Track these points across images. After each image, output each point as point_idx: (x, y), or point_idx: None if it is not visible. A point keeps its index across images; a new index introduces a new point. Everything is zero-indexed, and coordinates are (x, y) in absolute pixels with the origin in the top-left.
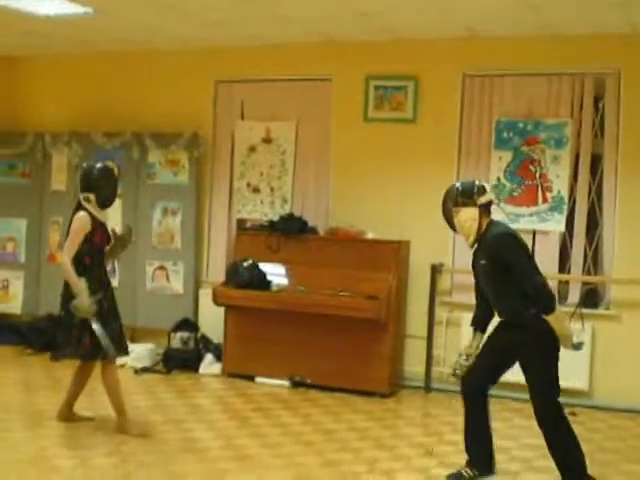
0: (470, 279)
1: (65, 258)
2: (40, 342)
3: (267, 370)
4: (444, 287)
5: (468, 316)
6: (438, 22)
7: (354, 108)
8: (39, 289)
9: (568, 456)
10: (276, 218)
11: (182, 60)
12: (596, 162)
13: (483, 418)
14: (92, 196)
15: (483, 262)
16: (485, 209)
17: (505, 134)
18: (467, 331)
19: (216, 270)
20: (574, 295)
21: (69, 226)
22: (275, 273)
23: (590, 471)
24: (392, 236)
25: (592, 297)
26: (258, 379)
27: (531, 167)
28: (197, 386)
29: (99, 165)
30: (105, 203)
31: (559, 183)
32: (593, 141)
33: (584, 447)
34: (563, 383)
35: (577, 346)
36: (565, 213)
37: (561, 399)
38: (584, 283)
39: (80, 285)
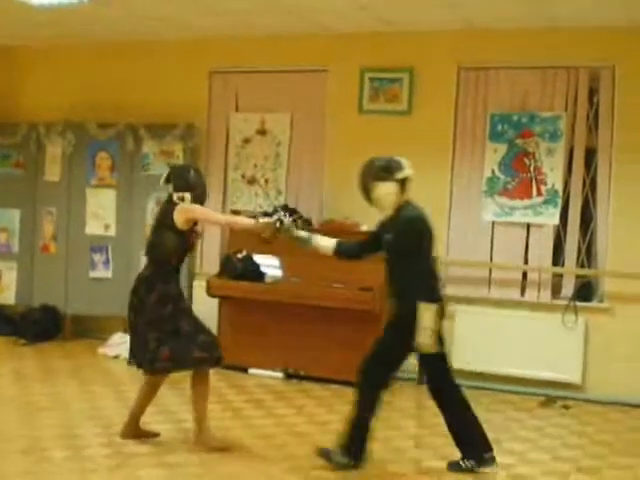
0: (465, 272)
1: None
2: (33, 333)
3: (260, 361)
4: None
5: (462, 308)
6: (433, 14)
7: (349, 100)
8: (33, 280)
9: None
10: (270, 209)
11: (176, 50)
12: (590, 155)
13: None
14: (188, 195)
15: (388, 237)
16: (402, 184)
17: (500, 127)
18: (461, 323)
19: (210, 261)
20: (568, 288)
21: (165, 218)
22: (269, 265)
23: (583, 464)
24: None
25: (586, 290)
26: (251, 370)
27: (525, 160)
28: (189, 377)
29: (192, 166)
30: (200, 203)
31: (553, 176)
32: (587, 134)
33: (577, 440)
34: (556, 376)
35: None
36: (559, 206)
37: (554, 392)
38: (578, 276)
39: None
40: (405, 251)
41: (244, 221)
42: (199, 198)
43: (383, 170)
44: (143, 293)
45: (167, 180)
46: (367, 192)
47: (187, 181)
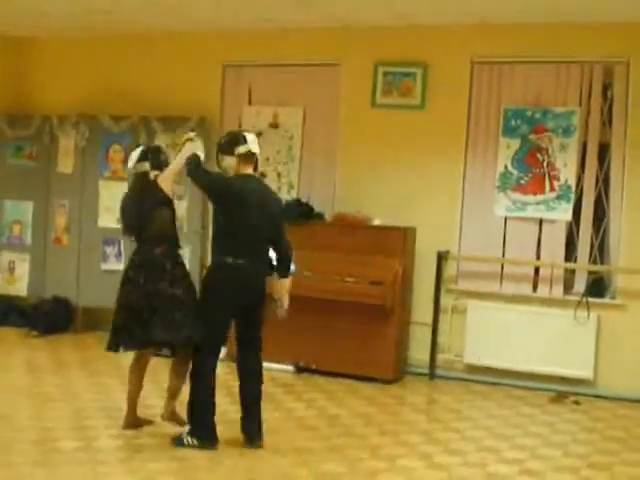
0: (477, 267)
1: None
2: (45, 324)
3: (271, 355)
4: (450, 274)
5: (474, 303)
6: (447, 9)
7: (362, 94)
8: (45, 271)
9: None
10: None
11: (190, 43)
12: (604, 151)
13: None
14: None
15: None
16: (244, 159)
17: (513, 122)
18: (473, 318)
19: None
20: (580, 284)
21: (154, 196)
22: None
23: (594, 460)
24: (398, 222)
25: (598, 286)
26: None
27: (539, 155)
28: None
29: (162, 146)
30: None
31: (566, 172)
32: (601, 130)
33: (588, 436)
34: (567, 371)
35: None
36: (572, 202)
37: (565, 387)
38: (590, 272)
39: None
40: (215, 215)
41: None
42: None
43: (226, 144)
44: (169, 266)
45: (143, 158)
46: (217, 163)
47: (161, 160)
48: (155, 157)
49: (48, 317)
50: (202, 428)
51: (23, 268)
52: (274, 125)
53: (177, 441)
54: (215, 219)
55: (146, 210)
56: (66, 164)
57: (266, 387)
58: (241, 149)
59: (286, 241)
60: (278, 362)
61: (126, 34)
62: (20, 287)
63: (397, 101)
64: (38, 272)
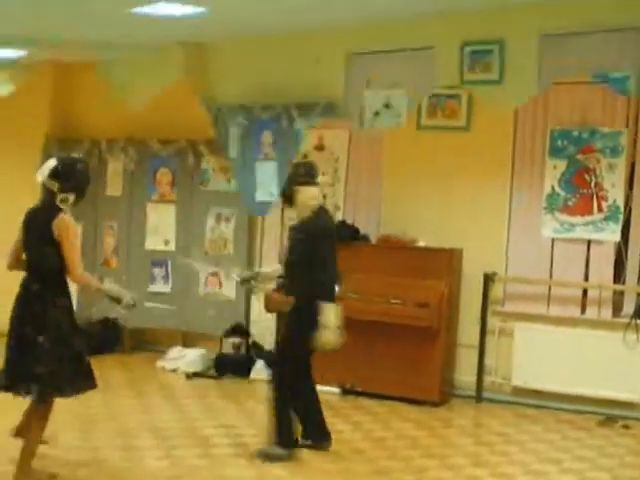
0: (524, 289)
1: (79, 270)
2: (94, 345)
3: (317, 377)
4: (497, 296)
5: (521, 325)
6: None
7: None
8: (94, 293)
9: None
10: None
11: None
12: None
13: None
14: (72, 197)
15: (300, 237)
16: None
17: (560, 143)
18: (520, 341)
19: None
20: (629, 306)
21: (47, 232)
22: None
23: None
24: (444, 244)
25: None
26: None
27: (586, 176)
28: (248, 391)
29: (81, 158)
30: (78, 204)
31: (614, 192)
32: None
33: (636, 460)
34: (616, 395)
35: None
36: (620, 222)
37: (614, 411)
38: (639, 294)
39: (106, 285)
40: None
41: (93, 282)
42: (81, 195)
43: (308, 175)
44: (39, 308)
45: (53, 175)
46: (291, 196)
47: (76, 179)
48: (67, 176)
49: (97, 338)
50: (287, 439)
51: (72, 290)
52: (319, 147)
53: (263, 454)
54: (312, 256)
55: (36, 245)
56: (115, 187)
57: None
58: (321, 178)
59: None
60: (324, 384)
61: None
62: None
63: (442, 123)
64: (86, 294)
